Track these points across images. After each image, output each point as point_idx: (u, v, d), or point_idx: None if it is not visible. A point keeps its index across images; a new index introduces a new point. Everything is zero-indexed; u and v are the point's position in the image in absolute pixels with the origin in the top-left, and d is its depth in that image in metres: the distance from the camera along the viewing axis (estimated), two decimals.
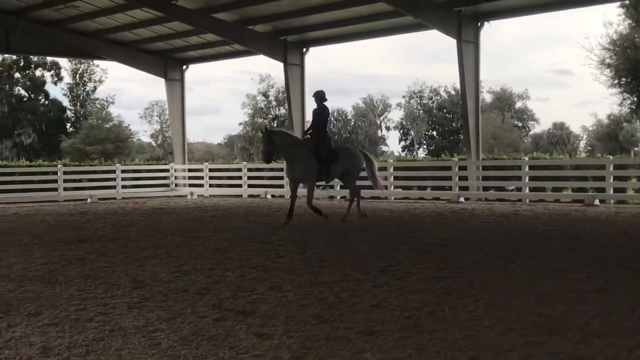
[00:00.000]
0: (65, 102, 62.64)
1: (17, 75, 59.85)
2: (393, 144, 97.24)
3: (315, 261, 10.29)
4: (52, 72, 60.63)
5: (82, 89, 62.98)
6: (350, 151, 17.16)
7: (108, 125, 59.02)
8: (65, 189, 27.42)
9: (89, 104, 63.13)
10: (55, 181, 27.42)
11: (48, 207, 23.53)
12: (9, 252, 11.78)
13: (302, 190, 16.68)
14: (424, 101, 72.77)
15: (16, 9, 27.38)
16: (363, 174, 17.11)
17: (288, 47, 28.04)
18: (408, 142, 72.48)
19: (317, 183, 16.67)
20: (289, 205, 16.30)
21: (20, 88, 60.45)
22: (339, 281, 8.64)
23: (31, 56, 56.19)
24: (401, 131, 72.89)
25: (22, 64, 59.03)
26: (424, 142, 71.84)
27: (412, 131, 71.41)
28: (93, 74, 62.73)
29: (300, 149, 15.97)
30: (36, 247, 12.48)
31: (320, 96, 16.26)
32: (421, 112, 71.62)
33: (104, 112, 62.59)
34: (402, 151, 71.52)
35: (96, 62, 57.82)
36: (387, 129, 73.18)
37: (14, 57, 56.23)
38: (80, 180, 28.63)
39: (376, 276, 8.98)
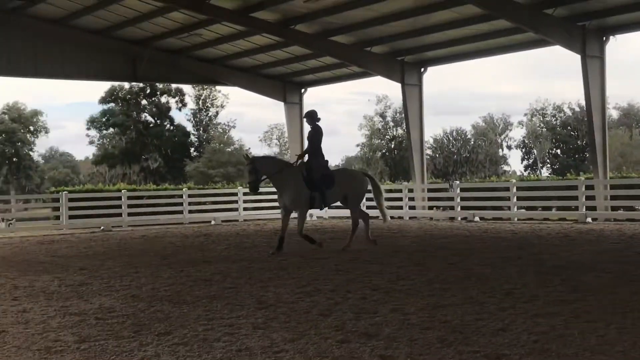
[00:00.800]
0: (189, 127, 64.83)
1: (143, 102, 62.47)
2: (515, 163, 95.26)
3: (437, 283, 10.20)
4: (177, 98, 62.88)
5: (204, 114, 65.01)
6: (349, 174, 16.38)
7: (230, 149, 60.57)
8: (190, 212, 28.30)
9: (212, 129, 65.06)
10: (181, 204, 28.35)
11: (174, 229, 24.35)
12: (139, 273, 12.28)
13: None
14: (547, 119, 70.93)
15: (143, 38, 28.65)
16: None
17: (405, 67, 28.05)
18: (531, 161, 70.74)
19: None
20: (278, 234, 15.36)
21: (147, 114, 63.05)
22: (462, 304, 8.53)
23: (157, 83, 58.51)
24: (523, 150, 71.26)
25: (148, 91, 61.54)
26: (548, 160, 69.92)
27: (534, 150, 69.67)
28: (215, 99, 64.66)
29: (290, 174, 15.07)
30: (164, 268, 12.95)
31: (312, 116, 15.36)
32: (544, 130, 69.80)
33: (226, 136, 64.36)
34: (525, 170, 69.84)
35: (218, 87, 59.61)
36: (509, 147, 71.71)
37: (141, 84, 58.72)
38: (204, 203, 29.50)
39: (501, 299, 8.81)
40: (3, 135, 69.99)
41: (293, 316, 8.07)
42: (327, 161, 15.55)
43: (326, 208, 16.92)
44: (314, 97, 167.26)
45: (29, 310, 8.97)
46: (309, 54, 28.42)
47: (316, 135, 15.29)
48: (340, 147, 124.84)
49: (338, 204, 16.17)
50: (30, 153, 74.13)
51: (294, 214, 15.57)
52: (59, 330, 7.67)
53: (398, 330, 7.22)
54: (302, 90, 32.99)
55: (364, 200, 19.06)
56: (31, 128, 72.91)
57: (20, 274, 12.59)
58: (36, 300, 9.66)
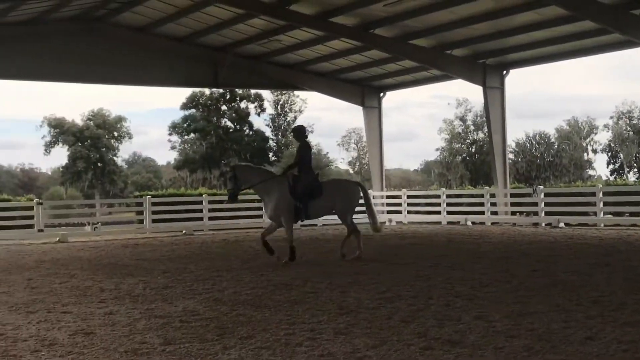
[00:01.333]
0: (268, 132, 65.59)
1: (223, 107, 63.48)
2: (601, 167, 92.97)
3: (522, 290, 10.01)
4: (256, 103, 63.72)
5: (283, 119, 65.69)
6: (338, 185, 15.68)
7: None
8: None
9: (289, 134, 65.66)
10: (260, 208, 28.59)
11: (254, 234, 24.56)
12: (221, 277, 12.45)
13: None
14: (633, 122, 68.90)
15: (224, 45, 29.09)
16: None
17: (487, 70, 27.68)
18: (617, 165, 68.83)
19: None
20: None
21: (226, 120, 64.06)
22: (548, 312, 8.34)
23: (236, 89, 59.36)
24: (609, 154, 69.41)
25: (228, 97, 62.53)
26: (635, 164, 67.91)
27: (621, 154, 67.77)
28: (293, 104, 65.33)
29: (276, 183, 14.74)
30: (245, 272, 13.10)
31: (301, 132, 15.10)
32: (631, 133, 67.83)
33: None
34: (611, 175, 68.01)
35: (296, 92, 60.09)
36: (594, 152, 70.00)
37: (221, 90, 59.69)
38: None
39: (588, 307, 8.59)
40: (88, 141, 72.24)
41: (375, 322, 8.04)
42: (317, 174, 15.28)
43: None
44: (392, 101, 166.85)
45: (115, 312, 9.19)
46: (388, 57, 28.33)
47: (308, 150, 14.97)
48: (419, 151, 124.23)
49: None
50: (114, 158, 76.29)
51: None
52: (144, 332, 7.83)
53: (483, 337, 7.11)
54: (381, 94, 32.92)
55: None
56: (115, 134, 75.02)
57: (106, 277, 12.93)
58: (122, 303, 9.90)
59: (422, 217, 29.54)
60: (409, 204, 30.29)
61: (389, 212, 30.74)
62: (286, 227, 14.77)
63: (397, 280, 11.36)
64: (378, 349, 6.75)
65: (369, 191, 16.24)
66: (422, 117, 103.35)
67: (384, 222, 25.22)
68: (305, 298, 9.87)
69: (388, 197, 32.08)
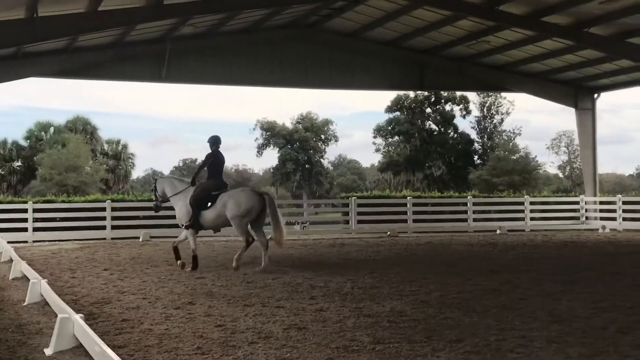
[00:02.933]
0: (473, 135, 64.63)
1: (428, 110, 63.42)
2: None
3: None
4: (461, 106, 63.04)
5: (489, 121, 64.47)
6: (231, 194, 14.82)
7: (515, 157, 59.44)
8: (474, 220, 28.20)
9: (496, 136, 64.34)
10: (465, 212, 28.34)
11: (459, 237, 24.38)
12: (427, 279, 12.48)
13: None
14: None
15: (430, 47, 29.06)
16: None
17: None
18: None
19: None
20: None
21: (431, 122, 63.94)
22: None
23: (441, 91, 59.09)
24: None
25: (432, 99, 62.37)
26: None
27: None
28: (500, 106, 63.87)
29: (183, 195, 15.07)
30: (451, 276, 13.03)
31: (210, 141, 15.26)
32: None
33: (511, 144, 63.20)
34: None
35: (503, 94, 58.78)
36: None
37: (426, 93, 59.67)
38: (488, 212, 29.24)
39: None
40: (297, 144, 75.04)
41: (589, 332, 7.74)
42: (225, 184, 15.27)
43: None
44: (606, 103, 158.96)
45: (325, 309, 9.49)
46: (603, 57, 26.99)
47: (211, 159, 15.17)
48: (635, 155, 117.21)
49: None
50: (321, 160, 78.59)
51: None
52: (354, 330, 8.03)
53: None
54: (595, 95, 31.41)
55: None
56: (322, 136, 77.30)
57: (315, 274, 13.36)
58: (332, 300, 10.20)
59: (638, 225, 27.89)
60: (624, 211, 28.72)
61: (602, 218, 29.31)
62: (189, 235, 15.03)
63: (613, 290, 10.86)
64: (593, 359, 6.49)
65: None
66: (638, 120, 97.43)
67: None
68: (515, 304, 9.68)
69: (601, 202, 30.59)
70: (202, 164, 15.77)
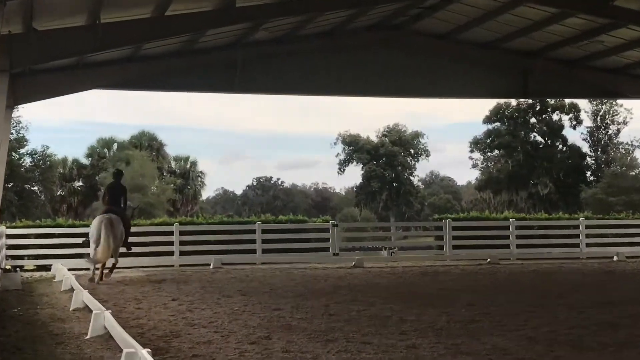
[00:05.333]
0: (585, 148, 63.46)
1: (532, 120, 62.57)
2: None
3: None
4: (571, 115, 62.08)
5: (603, 132, 63.18)
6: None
7: (634, 173, 58.02)
8: (587, 245, 27.60)
9: (612, 149, 62.94)
10: (577, 236, 27.77)
11: (569, 265, 23.92)
12: (534, 312, 12.27)
13: None
14: None
15: (535, 49, 28.66)
16: None
17: None
18: None
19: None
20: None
21: (536, 134, 63.07)
22: None
23: (548, 99, 58.19)
24: None
25: (538, 108, 61.57)
26: None
27: None
28: (616, 114, 62.60)
29: None
30: (561, 308, 12.80)
31: (120, 175, 21.33)
32: None
33: (629, 157, 61.72)
34: None
35: (619, 101, 57.53)
36: None
37: (530, 101, 58.88)
38: (605, 236, 28.57)
39: None
40: (383, 159, 74.89)
41: None
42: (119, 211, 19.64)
43: None
44: None
45: (417, 346, 9.43)
46: None
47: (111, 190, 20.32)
48: None
49: None
50: (411, 177, 78.31)
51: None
52: None
53: None
54: None
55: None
56: (412, 151, 77.07)
57: (405, 306, 13.29)
58: (425, 336, 10.13)
59: None
60: None
61: None
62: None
63: None
64: None
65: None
66: None
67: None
68: (636, 340, 9.43)
69: None
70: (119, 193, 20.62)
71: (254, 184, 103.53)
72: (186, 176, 58.28)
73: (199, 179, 60.04)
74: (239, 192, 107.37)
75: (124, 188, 20.98)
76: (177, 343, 9.87)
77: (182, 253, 24.66)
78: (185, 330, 10.86)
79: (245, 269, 22.28)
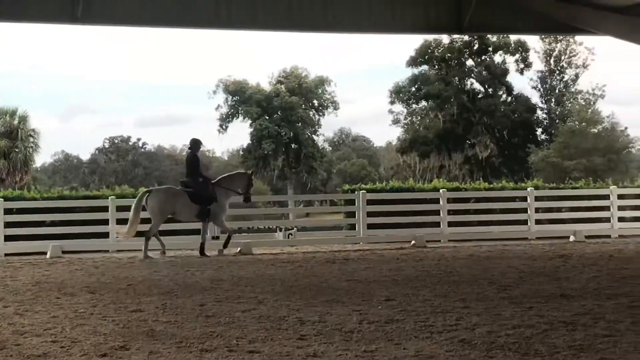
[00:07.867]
0: (535, 98, 64.72)
1: (469, 62, 63.40)
2: None
3: None
4: (517, 56, 63.14)
5: (558, 78, 64.55)
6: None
7: (596, 130, 59.52)
8: (537, 222, 28.22)
9: (568, 100, 64.38)
10: (524, 211, 28.36)
11: (515, 248, 24.40)
12: (469, 309, 12.50)
13: None
14: None
15: None
16: None
17: None
18: None
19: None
20: None
21: (473, 80, 63.96)
22: None
23: (489, 35, 58.96)
24: None
25: (475, 47, 62.39)
26: None
27: None
28: (574, 55, 63.89)
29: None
30: (504, 303, 13.07)
31: (198, 144, 24.83)
32: None
33: (590, 110, 63.32)
34: None
35: (578, 38, 58.79)
36: None
37: (466, 38, 59.56)
38: (558, 210, 29.25)
39: None
40: (279, 113, 74.48)
41: None
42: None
43: None
44: None
45: (320, 354, 9.49)
46: None
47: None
48: None
49: None
50: (314, 137, 78.20)
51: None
52: None
53: None
54: None
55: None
56: (315, 102, 77.00)
57: (306, 304, 13.35)
58: (330, 341, 10.19)
59: None
60: None
61: None
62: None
63: None
64: None
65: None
66: None
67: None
68: (596, 343, 9.70)
69: None
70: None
71: (106, 146, 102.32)
72: (13, 136, 57.10)
73: (31, 140, 58.89)
74: (85, 157, 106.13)
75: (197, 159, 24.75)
76: (1, 357, 9.69)
77: (7, 238, 24.28)
78: (13, 340, 10.67)
79: (94, 258, 22.06)
